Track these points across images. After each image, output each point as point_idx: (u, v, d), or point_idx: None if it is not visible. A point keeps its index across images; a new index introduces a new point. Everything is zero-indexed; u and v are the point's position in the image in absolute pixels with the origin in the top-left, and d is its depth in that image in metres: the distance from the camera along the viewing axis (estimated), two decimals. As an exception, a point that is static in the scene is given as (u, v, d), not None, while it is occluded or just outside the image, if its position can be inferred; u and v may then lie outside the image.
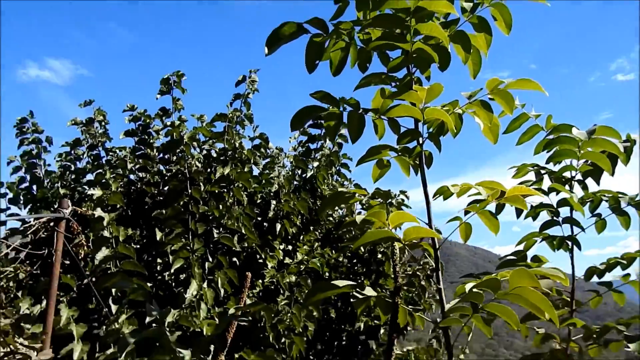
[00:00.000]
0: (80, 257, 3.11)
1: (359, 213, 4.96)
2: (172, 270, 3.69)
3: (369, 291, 1.32)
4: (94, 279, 3.33)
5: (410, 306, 4.63)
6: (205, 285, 3.75)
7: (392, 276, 4.28)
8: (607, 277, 1.96)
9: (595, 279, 1.98)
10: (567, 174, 2.00)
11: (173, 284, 3.81)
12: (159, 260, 3.85)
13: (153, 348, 1.49)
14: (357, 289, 1.31)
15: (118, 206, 3.69)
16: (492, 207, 1.66)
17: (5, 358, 1.71)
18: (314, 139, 5.31)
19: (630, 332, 1.70)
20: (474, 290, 1.25)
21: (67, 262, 3.43)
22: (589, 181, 2.00)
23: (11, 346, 1.89)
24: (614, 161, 1.88)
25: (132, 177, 4.38)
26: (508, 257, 1.94)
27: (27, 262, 3.08)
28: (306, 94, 1.57)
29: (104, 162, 4.31)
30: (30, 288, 3.28)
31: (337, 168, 5.50)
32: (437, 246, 1.50)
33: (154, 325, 1.76)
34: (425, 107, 1.46)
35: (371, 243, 1.35)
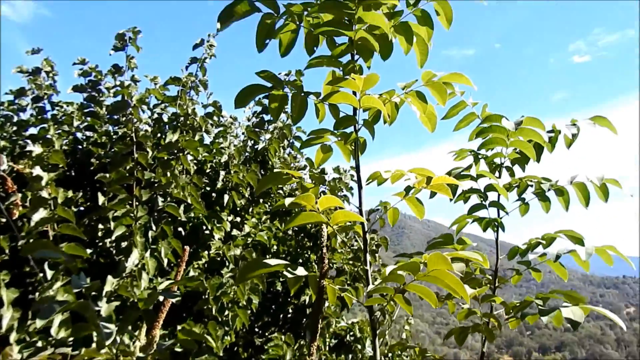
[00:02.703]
0: (14, 218, 3.03)
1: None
2: (113, 237, 3.63)
3: (300, 271, 1.37)
4: (30, 241, 3.25)
5: (354, 281, 4.74)
6: (147, 254, 3.71)
7: (339, 251, 4.34)
8: (530, 256, 2.10)
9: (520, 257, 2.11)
10: (497, 160, 2.14)
11: (114, 251, 3.77)
12: (100, 226, 3.78)
13: (79, 320, 1.47)
14: (289, 269, 1.37)
15: (60, 166, 3.57)
16: (428, 192, 1.77)
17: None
18: (268, 110, 5.27)
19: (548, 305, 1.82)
20: (396, 272, 1.34)
21: (4, 220, 3.32)
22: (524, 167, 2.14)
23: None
24: (539, 150, 2.03)
25: (78, 135, 4.20)
26: (436, 240, 2.07)
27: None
28: (256, 68, 1.58)
29: (49, 116, 4.08)
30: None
31: (291, 141, 5.49)
32: (367, 229, 1.59)
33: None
34: (362, 96, 1.51)
35: (301, 225, 1.41)
